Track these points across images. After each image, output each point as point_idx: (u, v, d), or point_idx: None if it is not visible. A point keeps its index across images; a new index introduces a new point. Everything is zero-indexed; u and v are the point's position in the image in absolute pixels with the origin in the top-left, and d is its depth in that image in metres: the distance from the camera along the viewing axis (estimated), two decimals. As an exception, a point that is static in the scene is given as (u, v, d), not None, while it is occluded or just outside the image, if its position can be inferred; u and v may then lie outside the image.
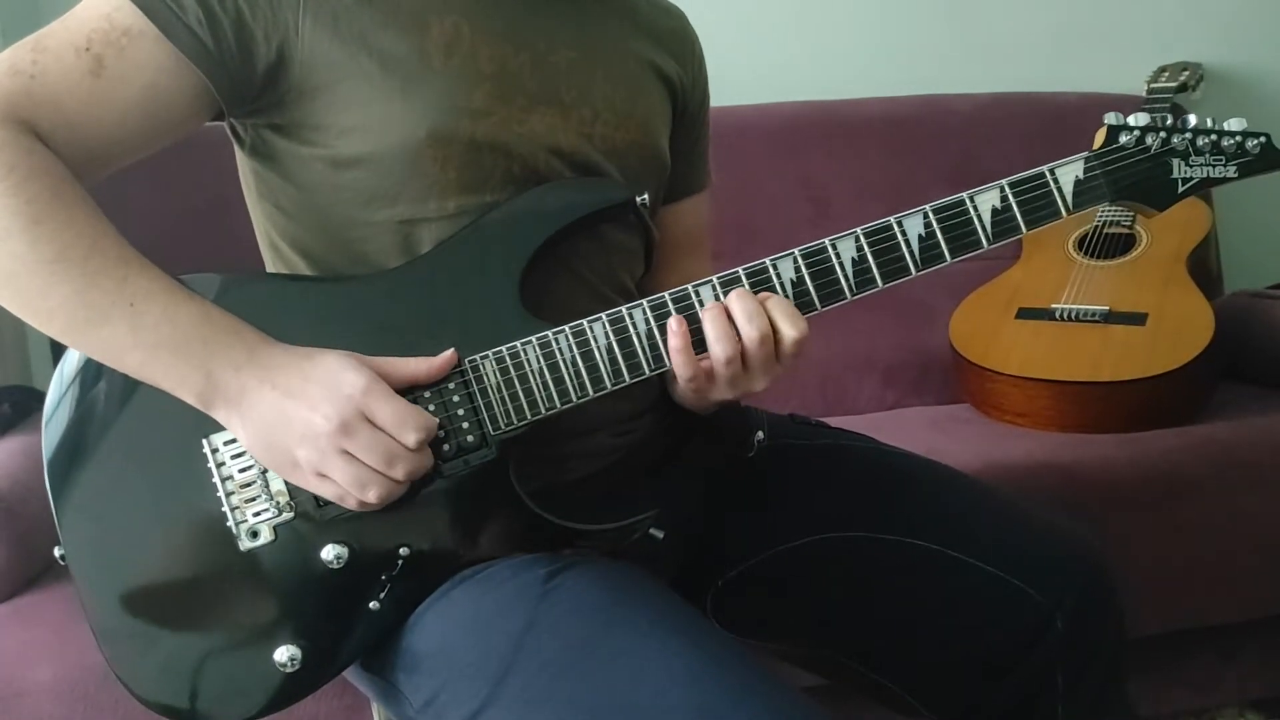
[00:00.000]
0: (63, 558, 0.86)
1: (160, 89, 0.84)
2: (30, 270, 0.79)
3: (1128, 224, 1.82)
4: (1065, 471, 1.43)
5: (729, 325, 0.85)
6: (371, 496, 0.80)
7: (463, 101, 0.88)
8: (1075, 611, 0.96)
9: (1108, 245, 1.80)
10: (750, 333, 0.84)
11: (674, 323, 0.86)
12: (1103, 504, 1.41)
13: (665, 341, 0.86)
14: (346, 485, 0.80)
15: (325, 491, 0.81)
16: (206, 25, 0.83)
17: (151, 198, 1.52)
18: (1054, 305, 1.69)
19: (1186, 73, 2.04)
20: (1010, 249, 1.90)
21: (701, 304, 0.86)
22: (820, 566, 1.01)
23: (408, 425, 0.79)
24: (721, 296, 0.86)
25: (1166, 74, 2.06)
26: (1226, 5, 2.22)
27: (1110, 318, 1.64)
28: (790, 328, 0.85)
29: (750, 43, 2.10)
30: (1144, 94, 2.03)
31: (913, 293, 1.90)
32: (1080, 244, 1.82)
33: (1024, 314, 1.71)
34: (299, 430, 0.79)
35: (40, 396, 1.61)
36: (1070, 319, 1.66)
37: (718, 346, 0.85)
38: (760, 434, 1.07)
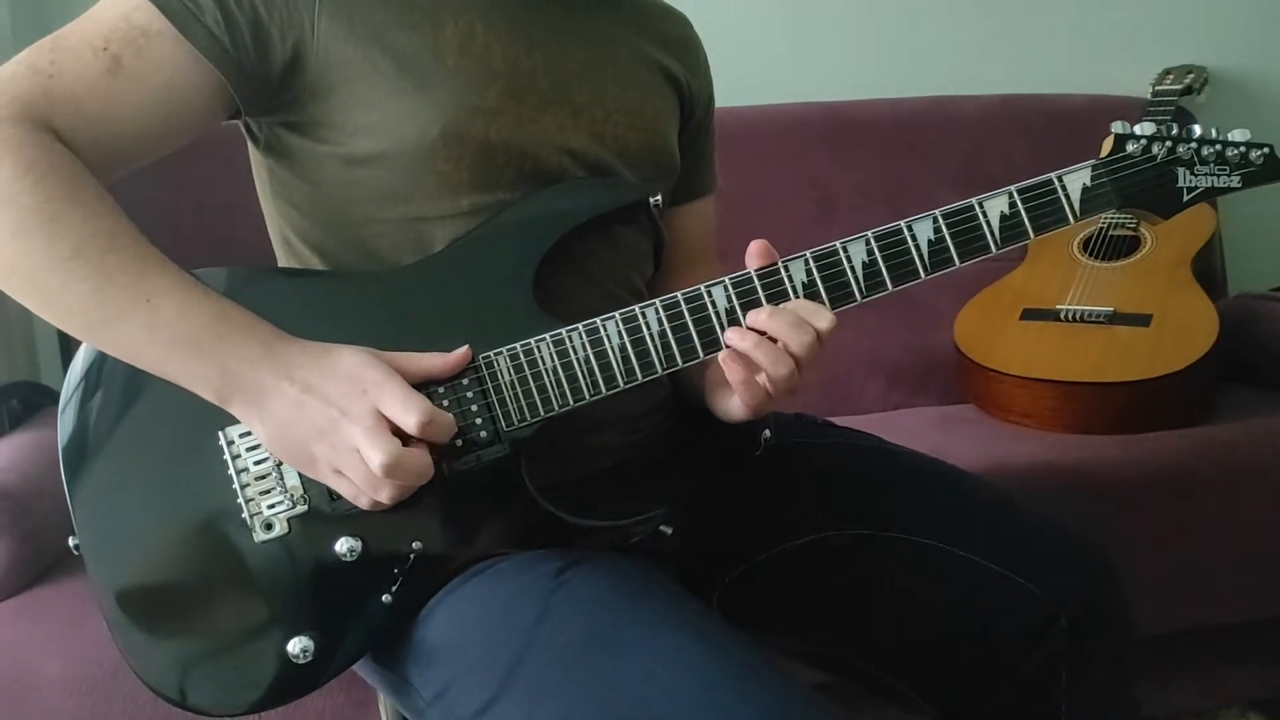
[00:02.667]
0: (77, 547, 0.86)
1: (177, 88, 0.85)
2: (48, 267, 0.79)
3: (1132, 226, 1.82)
4: (1069, 472, 1.44)
5: (774, 346, 0.85)
6: (384, 496, 0.80)
7: (476, 100, 0.89)
8: (1079, 609, 0.96)
9: (1113, 247, 1.80)
10: (802, 339, 0.85)
11: (724, 358, 0.86)
12: (1106, 504, 1.42)
13: (678, 346, 0.87)
14: (360, 483, 0.80)
15: (341, 488, 0.82)
16: (224, 25, 0.84)
17: (166, 194, 1.52)
18: (1059, 306, 1.70)
19: (1191, 75, 2.05)
20: (1015, 250, 1.90)
21: (714, 303, 0.87)
22: (826, 564, 1.02)
23: (410, 410, 0.79)
24: (734, 297, 0.87)
25: (1171, 76, 2.06)
26: (1231, 8, 2.23)
27: (1115, 319, 1.65)
28: (823, 321, 0.86)
29: (757, 43, 2.11)
30: (1149, 96, 2.03)
31: (918, 294, 1.88)
32: (1085, 245, 1.83)
33: (1029, 315, 1.72)
34: (317, 427, 0.80)
35: (48, 392, 1.63)
36: (1075, 320, 1.67)
37: (778, 368, 0.85)
38: (767, 432, 1.08)
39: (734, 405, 0.92)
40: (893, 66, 2.16)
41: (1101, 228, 1.83)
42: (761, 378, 0.86)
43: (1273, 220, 2.23)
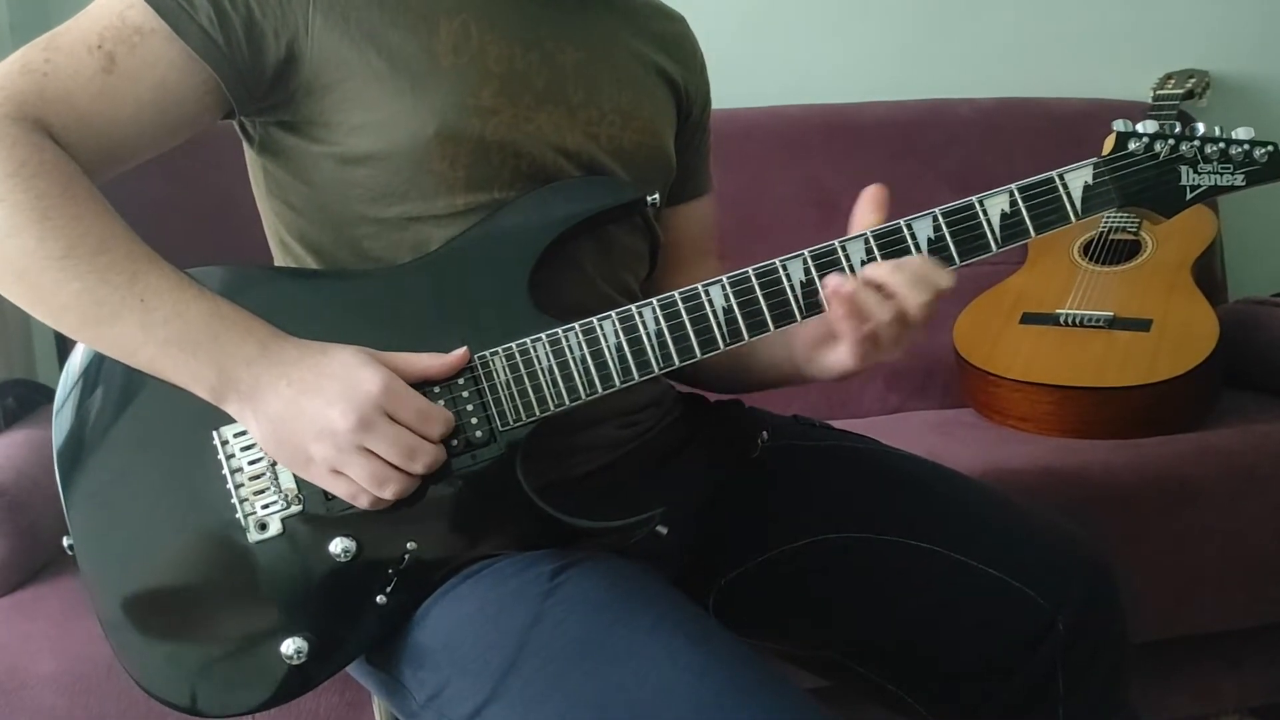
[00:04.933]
0: (71, 547, 0.86)
1: (171, 86, 0.85)
2: (40, 266, 0.79)
3: (1133, 230, 1.82)
4: (1068, 477, 1.44)
5: (880, 294, 0.86)
6: (389, 493, 0.80)
7: (470, 99, 0.89)
8: (1077, 614, 0.96)
9: (1113, 251, 1.80)
10: (920, 298, 0.85)
11: (837, 309, 0.86)
12: (1105, 509, 1.41)
13: (675, 345, 0.86)
14: (364, 482, 0.80)
15: (338, 488, 0.82)
16: (217, 23, 0.84)
17: (161, 194, 1.53)
18: (1058, 310, 1.69)
19: (1193, 80, 2.04)
20: (1015, 254, 1.90)
21: (711, 303, 0.87)
22: (822, 567, 1.01)
23: (431, 419, 0.80)
24: (731, 296, 0.87)
25: (1173, 81, 2.06)
26: (1233, 13, 2.22)
27: (1115, 323, 1.64)
28: (945, 280, 0.86)
29: (757, 45, 2.11)
30: (1150, 101, 2.03)
31: (917, 296, 1.91)
32: (1085, 250, 1.82)
33: (1028, 319, 1.72)
34: (315, 427, 0.79)
35: (44, 390, 1.62)
36: (1075, 324, 1.66)
37: (883, 314, 0.85)
38: (764, 434, 1.08)
39: (838, 358, 0.91)
40: (892, 69, 2.16)
41: (1102, 232, 1.83)
42: (869, 326, 0.86)
43: (1274, 225, 2.23)
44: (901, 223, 0.88)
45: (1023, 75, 2.17)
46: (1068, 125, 2.03)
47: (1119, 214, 1.83)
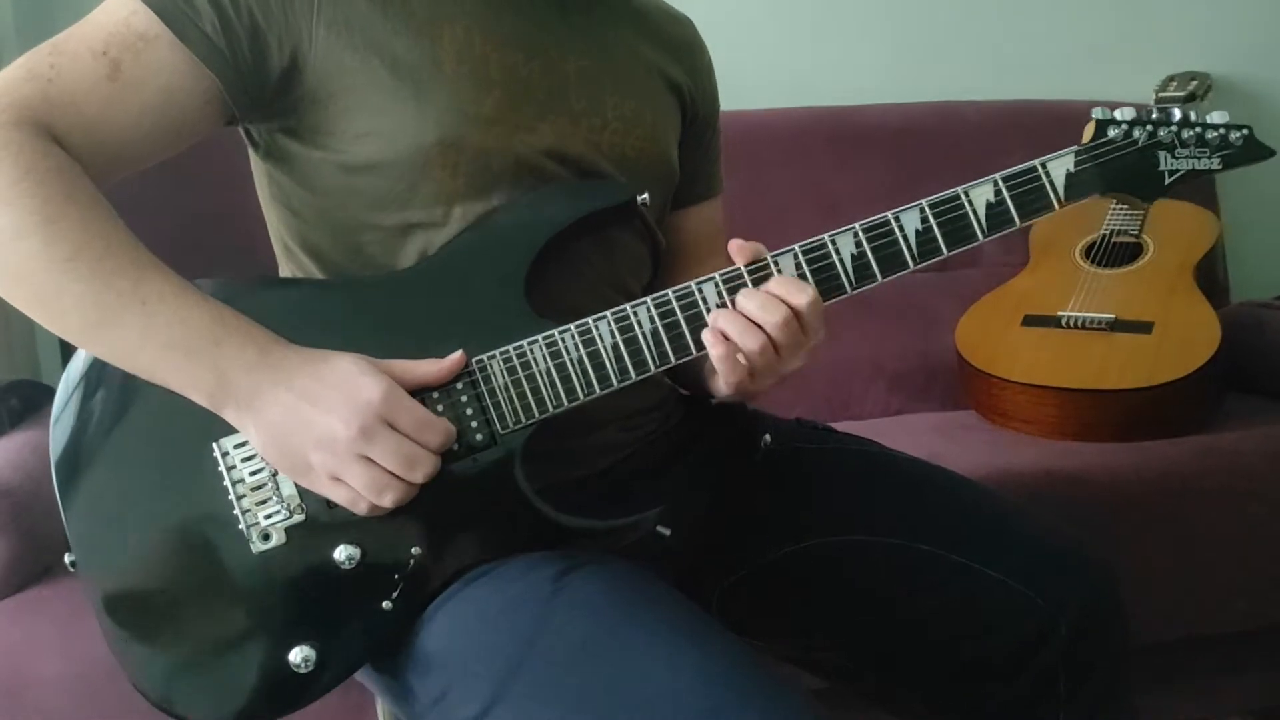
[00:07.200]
0: (73, 564, 0.86)
1: (175, 93, 0.85)
2: (44, 269, 0.79)
3: (1135, 233, 1.82)
4: (1070, 479, 1.44)
5: (747, 320, 0.86)
6: (388, 501, 0.80)
7: (472, 109, 0.89)
8: (1079, 617, 0.96)
9: (1115, 253, 1.80)
10: (772, 319, 0.85)
11: (709, 335, 0.86)
12: (1107, 512, 1.41)
13: (671, 343, 0.87)
14: (363, 490, 0.80)
15: (337, 496, 0.82)
16: (221, 30, 0.84)
17: (167, 199, 1.52)
18: (1060, 313, 1.69)
19: (1195, 82, 2.04)
20: (1017, 256, 1.90)
21: (704, 300, 0.87)
22: (824, 569, 1.02)
23: (430, 428, 0.80)
24: (724, 293, 0.87)
25: (1175, 83, 2.06)
26: (1235, 15, 2.22)
27: (1116, 326, 1.64)
28: (800, 295, 0.86)
29: (762, 48, 2.11)
30: (1152, 103, 2.03)
31: (919, 298, 1.91)
32: (1087, 252, 1.82)
33: (1030, 321, 1.71)
34: (316, 435, 0.80)
35: (48, 391, 1.62)
36: (1076, 327, 1.66)
37: (746, 339, 0.86)
38: (766, 437, 1.08)
39: (718, 382, 0.92)
40: (897, 72, 2.16)
41: (1104, 234, 1.83)
42: (740, 355, 0.87)
43: (1277, 227, 2.23)
44: (890, 215, 0.89)
45: (1026, 78, 2.17)
46: (1071, 127, 2.01)
47: (1119, 216, 1.83)
